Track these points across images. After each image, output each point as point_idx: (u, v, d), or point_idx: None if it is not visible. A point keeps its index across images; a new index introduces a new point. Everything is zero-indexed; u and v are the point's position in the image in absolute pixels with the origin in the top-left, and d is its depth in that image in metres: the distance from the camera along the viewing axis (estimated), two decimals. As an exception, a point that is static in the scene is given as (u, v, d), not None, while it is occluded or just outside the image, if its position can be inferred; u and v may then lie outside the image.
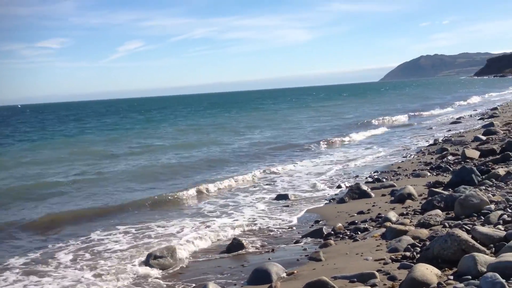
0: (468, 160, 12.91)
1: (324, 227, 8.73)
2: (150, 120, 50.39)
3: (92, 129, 40.72)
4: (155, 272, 7.48)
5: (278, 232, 9.15)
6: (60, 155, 22.85)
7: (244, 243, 8.30)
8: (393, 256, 6.28)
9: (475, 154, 13.39)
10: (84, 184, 15.27)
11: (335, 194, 11.89)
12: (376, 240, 7.39)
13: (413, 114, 37.69)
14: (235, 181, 14.64)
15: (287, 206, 11.22)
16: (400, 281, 5.25)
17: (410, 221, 8.02)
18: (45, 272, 7.76)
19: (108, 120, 53.53)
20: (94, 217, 11.26)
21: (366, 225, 8.56)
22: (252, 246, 8.35)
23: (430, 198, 8.95)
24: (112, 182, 15.53)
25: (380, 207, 9.78)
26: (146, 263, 7.70)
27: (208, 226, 9.90)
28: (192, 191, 13.20)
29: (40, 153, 24.52)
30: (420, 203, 9.27)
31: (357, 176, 14.20)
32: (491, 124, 20.62)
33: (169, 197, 12.65)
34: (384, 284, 5.33)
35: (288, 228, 9.37)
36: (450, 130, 23.73)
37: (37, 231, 10.35)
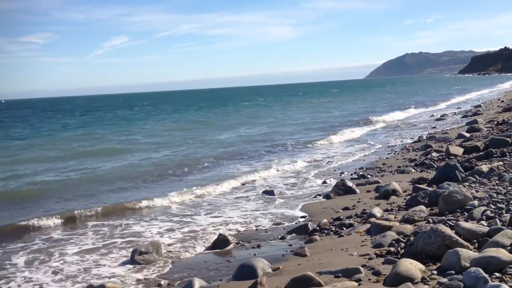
0: (452, 157, 13.03)
1: (310, 223, 8.75)
2: (129, 117, 49.07)
3: (71, 126, 40.10)
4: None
5: (264, 228, 9.15)
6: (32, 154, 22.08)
7: (230, 239, 8.30)
8: (377, 252, 6.32)
9: (459, 151, 13.52)
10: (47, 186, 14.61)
11: (321, 191, 11.92)
12: (361, 235, 7.44)
13: (399, 111, 37.92)
14: (216, 184, 14.40)
15: (273, 202, 11.23)
16: (385, 276, 5.30)
17: (395, 217, 8.08)
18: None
19: (88, 117, 52.44)
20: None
21: (351, 221, 8.60)
22: (238, 242, 8.35)
23: (414, 194, 9.03)
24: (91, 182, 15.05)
25: (365, 203, 9.84)
26: (131, 259, 7.66)
27: (191, 224, 9.88)
28: (173, 194, 12.73)
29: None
30: (405, 199, 9.34)
31: (342, 173, 14.25)
32: (475, 122, 20.83)
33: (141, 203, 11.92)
34: (369, 279, 5.37)
35: (274, 224, 9.39)
36: (434, 127, 23.92)
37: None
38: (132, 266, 7.60)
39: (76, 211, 11.05)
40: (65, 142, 27.15)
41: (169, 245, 8.54)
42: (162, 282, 6.71)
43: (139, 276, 7.23)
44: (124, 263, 7.81)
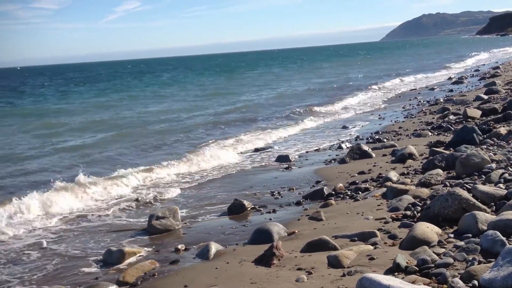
0: (469, 120, 12.88)
1: (325, 187, 8.74)
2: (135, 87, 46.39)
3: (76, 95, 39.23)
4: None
5: (279, 194, 9.17)
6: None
7: (246, 204, 8.34)
8: (393, 215, 6.31)
9: (477, 113, 13.34)
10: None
11: (336, 155, 11.88)
12: (377, 199, 7.42)
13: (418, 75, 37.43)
14: (237, 142, 14.67)
15: (288, 167, 11.23)
16: (401, 240, 5.29)
17: (411, 181, 8.04)
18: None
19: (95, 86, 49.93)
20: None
21: (367, 185, 8.58)
22: (253, 207, 8.39)
23: (431, 157, 8.95)
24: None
25: (381, 167, 9.79)
26: (148, 224, 7.75)
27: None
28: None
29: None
30: (421, 162, 9.28)
31: (358, 137, 14.18)
32: (493, 83, 20.48)
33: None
34: (385, 243, 5.37)
35: (289, 189, 9.40)
36: (452, 91, 23.58)
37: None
38: (149, 231, 7.69)
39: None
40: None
41: (186, 210, 8.64)
42: (179, 246, 6.79)
43: (157, 240, 7.33)
44: (142, 228, 7.92)
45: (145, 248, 6.94)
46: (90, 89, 44.81)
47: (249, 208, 8.32)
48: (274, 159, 12.28)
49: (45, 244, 7.53)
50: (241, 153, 13.49)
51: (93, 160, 13.54)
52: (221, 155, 12.93)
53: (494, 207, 5.58)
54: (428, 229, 5.13)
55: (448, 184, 7.09)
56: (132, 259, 6.56)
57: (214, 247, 6.33)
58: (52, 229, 8.32)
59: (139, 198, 9.65)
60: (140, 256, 6.67)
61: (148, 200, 9.57)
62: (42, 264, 6.78)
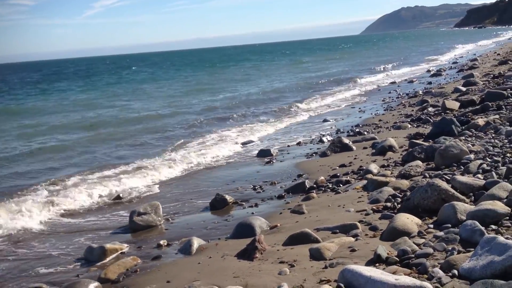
0: (448, 111, 13.01)
1: (307, 180, 8.77)
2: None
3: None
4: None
5: (261, 188, 9.18)
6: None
7: (227, 199, 8.33)
8: (374, 207, 6.36)
9: (455, 105, 13.48)
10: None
11: (318, 148, 11.92)
12: (358, 192, 7.48)
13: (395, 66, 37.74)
14: (219, 138, 14.65)
15: (269, 161, 11.25)
16: (382, 231, 5.34)
17: (391, 173, 8.11)
18: None
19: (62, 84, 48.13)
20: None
21: (348, 177, 8.63)
22: (235, 202, 8.39)
23: (410, 149, 9.02)
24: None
25: (361, 160, 9.86)
26: (130, 220, 7.70)
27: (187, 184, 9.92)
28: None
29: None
30: (401, 154, 9.36)
31: (339, 130, 14.25)
32: (471, 75, 20.72)
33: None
34: (366, 234, 5.41)
35: (271, 183, 9.41)
36: (430, 83, 23.79)
37: None
38: (131, 227, 7.64)
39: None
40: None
41: (167, 205, 8.60)
42: (161, 242, 6.76)
43: (139, 237, 7.29)
44: (123, 224, 7.87)
45: (127, 245, 6.89)
46: (69, 86, 43.99)
47: (231, 203, 8.32)
48: (256, 153, 12.28)
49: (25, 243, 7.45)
50: (223, 148, 13.44)
51: (71, 159, 13.37)
52: (204, 151, 12.90)
53: (473, 197, 5.65)
54: (408, 220, 5.18)
55: (428, 175, 7.16)
56: (113, 256, 6.52)
57: (196, 242, 6.32)
58: (32, 228, 8.21)
59: (120, 195, 9.59)
60: (122, 252, 6.63)
61: (129, 197, 9.51)
62: (23, 263, 6.70)
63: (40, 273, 6.32)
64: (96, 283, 5.61)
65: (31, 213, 8.63)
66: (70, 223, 8.38)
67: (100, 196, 9.71)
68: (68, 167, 12.36)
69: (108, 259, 6.44)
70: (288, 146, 12.99)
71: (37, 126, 19.90)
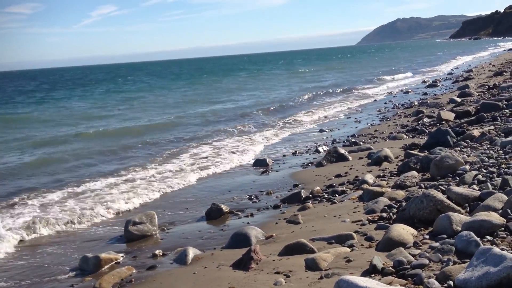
0: (443, 122, 13.06)
1: (303, 190, 8.77)
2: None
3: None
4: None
5: (257, 197, 9.17)
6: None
7: (223, 208, 8.32)
8: (370, 218, 6.36)
9: (450, 116, 13.54)
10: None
11: (313, 158, 11.93)
12: (354, 202, 7.48)
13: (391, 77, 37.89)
14: (216, 148, 14.64)
15: (265, 171, 11.25)
16: (377, 242, 5.33)
17: (387, 183, 8.12)
18: None
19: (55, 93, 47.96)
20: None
21: (344, 187, 8.64)
22: (231, 211, 8.37)
23: (406, 160, 9.05)
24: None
25: (357, 170, 9.87)
26: (125, 229, 7.67)
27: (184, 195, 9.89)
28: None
29: None
30: (397, 165, 9.37)
31: (334, 140, 14.27)
32: (466, 86, 20.83)
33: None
34: (362, 245, 5.41)
35: (266, 193, 9.40)
36: (426, 94, 23.89)
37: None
38: (126, 236, 7.61)
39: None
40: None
41: (163, 215, 8.57)
42: (156, 252, 6.74)
43: (134, 246, 7.27)
44: (118, 234, 7.84)
45: (122, 254, 6.86)
46: (63, 96, 43.54)
47: (227, 212, 8.30)
48: (252, 163, 12.28)
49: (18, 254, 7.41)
50: (219, 158, 13.43)
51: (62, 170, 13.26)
52: (199, 161, 12.88)
53: (468, 208, 5.66)
54: (403, 231, 5.19)
55: (423, 186, 7.18)
56: (108, 266, 6.48)
57: (192, 252, 6.30)
58: (25, 239, 8.14)
59: (115, 205, 9.54)
60: (117, 262, 6.60)
61: (124, 208, 9.47)
62: (16, 274, 6.65)
63: (34, 283, 6.27)
64: (91, 293, 5.58)
65: (24, 223, 8.58)
66: (65, 232, 8.34)
67: (95, 204, 9.67)
68: (60, 177, 12.27)
69: (103, 269, 6.40)
70: (284, 156, 12.99)
71: (26, 139, 19.40)
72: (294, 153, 13.08)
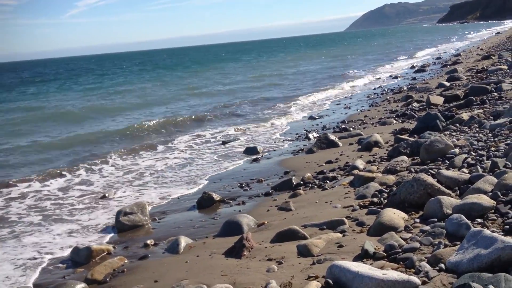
0: (432, 106, 13.10)
1: (293, 177, 8.77)
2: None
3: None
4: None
5: (248, 185, 9.16)
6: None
7: (214, 197, 8.30)
8: (361, 203, 6.38)
9: (440, 100, 13.58)
10: None
11: (304, 145, 11.94)
12: (345, 188, 7.49)
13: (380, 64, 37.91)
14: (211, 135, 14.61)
15: (256, 159, 11.24)
16: (369, 226, 5.35)
17: (377, 168, 8.14)
18: None
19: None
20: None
21: (335, 173, 8.65)
22: (222, 200, 8.36)
23: (396, 145, 9.07)
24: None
25: (347, 156, 9.88)
26: (116, 220, 7.64)
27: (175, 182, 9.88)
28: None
29: None
30: (387, 150, 9.40)
31: (324, 127, 14.28)
32: (455, 71, 20.88)
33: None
34: (353, 230, 5.42)
35: (258, 181, 9.40)
36: (415, 79, 23.94)
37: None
38: (117, 227, 7.59)
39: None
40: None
41: (154, 204, 8.55)
42: (148, 242, 6.72)
43: (125, 237, 7.24)
44: (109, 225, 7.81)
45: (114, 245, 6.84)
46: (47, 89, 42.79)
47: (218, 201, 8.29)
48: (242, 151, 12.26)
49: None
50: (209, 146, 13.41)
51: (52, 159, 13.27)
52: (189, 151, 12.85)
53: (458, 191, 5.69)
54: (394, 215, 5.20)
55: (413, 170, 7.21)
56: (100, 257, 6.46)
57: (183, 241, 6.29)
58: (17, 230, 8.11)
59: (106, 195, 9.51)
60: (108, 253, 6.58)
61: (114, 196, 9.44)
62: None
63: (26, 274, 6.24)
64: (83, 284, 5.56)
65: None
66: (56, 224, 8.29)
67: (84, 194, 9.64)
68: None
69: (94, 259, 6.38)
70: (275, 143, 12.98)
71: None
72: (284, 140, 13.08)
